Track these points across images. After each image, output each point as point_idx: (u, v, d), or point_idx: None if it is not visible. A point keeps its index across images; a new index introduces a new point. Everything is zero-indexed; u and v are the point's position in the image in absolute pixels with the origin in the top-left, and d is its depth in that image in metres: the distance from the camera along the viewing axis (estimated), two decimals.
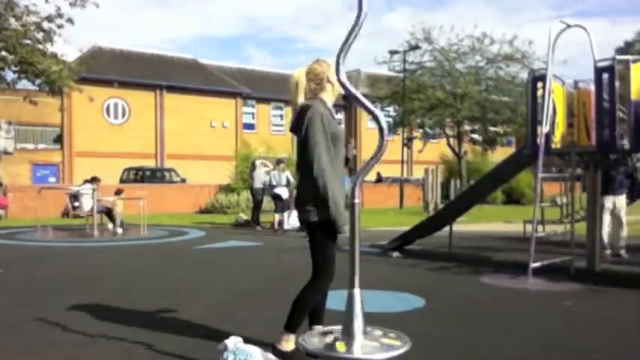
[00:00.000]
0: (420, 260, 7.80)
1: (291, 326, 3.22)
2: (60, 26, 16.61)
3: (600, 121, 6.44)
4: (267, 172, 13.21)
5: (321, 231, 3.21)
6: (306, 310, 3.28)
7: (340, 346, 2.51)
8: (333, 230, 3.19)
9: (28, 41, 16.33)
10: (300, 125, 3.24)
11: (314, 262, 3.28)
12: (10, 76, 17.26)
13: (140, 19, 72.85)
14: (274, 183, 12.63)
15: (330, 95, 3.38)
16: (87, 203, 11.69)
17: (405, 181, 24.01)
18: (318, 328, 3.22)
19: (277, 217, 12.55)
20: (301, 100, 3.33)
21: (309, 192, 3.19)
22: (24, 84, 17.83)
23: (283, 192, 12.44)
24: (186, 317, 4.48)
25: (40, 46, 16.61)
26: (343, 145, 3.36)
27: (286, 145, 24.54)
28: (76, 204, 11.88)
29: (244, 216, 14.92)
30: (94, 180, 11.90)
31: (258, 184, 13.28)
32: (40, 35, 16.55)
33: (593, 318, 4.70)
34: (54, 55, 16.91)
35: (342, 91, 3.39)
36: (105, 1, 17.00)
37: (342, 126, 3.54)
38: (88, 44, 28.28)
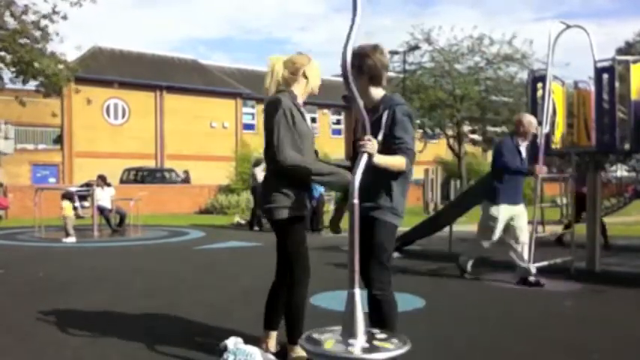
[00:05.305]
0: (420, 260, 7.80)
1: (295, 338, 3.19)
2: (55, 22, 16.66)
3: (600, 122, 6.44)
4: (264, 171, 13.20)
5: (291, 228, 3.21)
6: (299, 317, 3.28)
7: (340, 347, 2.50)
8: (301, 226, 3.21)
9: (25, 40, 16.35)
10: (266, 118, 3.18)
11: (287, 263, 3.30)
12: (7, 75, 17.30)
13: (127, 21, 72.90)
14: None
15: (302, 90, 3.29)
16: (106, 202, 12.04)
17: None
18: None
19: None
20: (273, 89, 3.24)
21: (273, 188, 3.18)
22: (21, 82, 17.87)
23: None
24: (186, 317, 4.48)
25: (39, 45, 16.64)
26: (311, 145, 3.29)
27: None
28: (85, 204, 11.96)
29: (243, 217, 14.92)
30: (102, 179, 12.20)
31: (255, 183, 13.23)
32: (37, 33, 16.59)
33: (593, 318, 4.70)
34: (52, 54, 16.94)
35: (316, 91, 3.34)
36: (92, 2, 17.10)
37: (312, 125, 3.44)
38: (82, 43, 28.32)
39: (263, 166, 13.57)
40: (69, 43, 38.24)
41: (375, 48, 2.99)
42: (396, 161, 2.87)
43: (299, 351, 3.18)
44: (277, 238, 3.30)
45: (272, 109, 3.14)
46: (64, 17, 16.71)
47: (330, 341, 2.56)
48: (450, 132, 25.35)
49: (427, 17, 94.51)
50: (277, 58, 3.28)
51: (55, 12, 16.56)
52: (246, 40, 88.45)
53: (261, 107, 33.99)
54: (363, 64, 2.99)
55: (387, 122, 2.95)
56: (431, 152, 28.66)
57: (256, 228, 12.92)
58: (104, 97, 28.24)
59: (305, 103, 3.37)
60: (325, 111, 35.36)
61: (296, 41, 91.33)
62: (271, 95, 3.23)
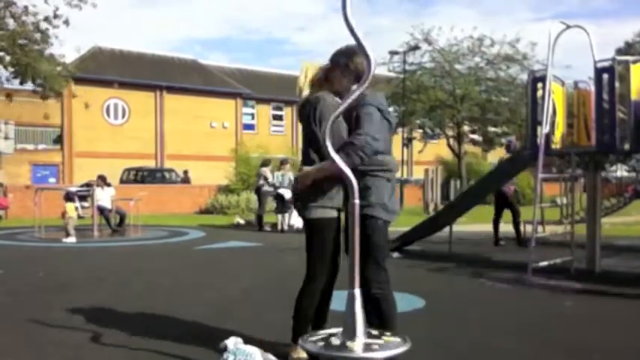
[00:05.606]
0: (419, 260, 7.80)
1: (295, 337, 3.19)
2: (56, 26, 16.65)
3: (600, 122, 6.44)
4: (271, 172, 13.24)
5: (319, 228, 3.18)
6: (305, 316, 3.26)
7: (341, 346, 2.51)
8: (330, 227, 3.17)
9: (25, 41, 16.36)
10: (307, 115, 3.19)
11: (308, 260, 3.26)
12: (5, 75, 17.34)
13: (127, 21, 72.78)
14: (277, 184, 12.63)
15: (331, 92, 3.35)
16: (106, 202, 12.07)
17: (405, 182, 24.01)
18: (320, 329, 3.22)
19: (280, 217, 12.52)
20: (307, 90, 3.29)
21: (308, 187, 3.16)
22: (18, 83, 17.89)
23: (286, 192, 12.43)
24: (187, 317, 4.48)
25: (38, 47, 16.64)
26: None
27: (285, 146, 24.52)
28: (85, 204, 11.99)
29: (243, 217, 14.92)
30: (102, 179, 12.22)
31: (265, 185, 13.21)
32: (37, 35, 16.59)
33: (593, 318, 4.70)
34: (51, 56, 16.94)
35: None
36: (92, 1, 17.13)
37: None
38: (82, 43, 28.39)
39: (271, 166, 13.63)
40: (68, 44, 38.24)
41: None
42: (332, 166, 2.80)
43: (300, 352, 3.18)
44: (306, 237, 3.26)
45: (316, 106, 3.16)
46: (66, 22, 16.70)
47: (330, 341, 2.56)
48: (450, 132, 25.33)
49: (426, 17, 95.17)
50: (310, 63, 3.37)
51: (56, 16, 16.54)
52: (246, 40, 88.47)
53: (260, 107, 34.15)
54: (350, 64, 3.08)
55: (354, 121, 3.04)
56: (431, 152, 28.65)
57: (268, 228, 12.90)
58: (104, 97, 28.24)
59: None
60: None
61: (295, 41, 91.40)
62: (312, 94, 3.26)
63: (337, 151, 2.88)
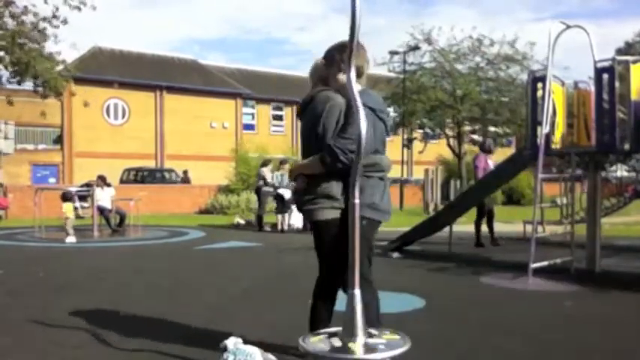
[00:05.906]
0: (419, 260, 7.80)
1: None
2: (55, 26, 16.68)
3: (600, 122, 6.44)
4: (271, 172, 13.26)
5: (326, 230, 3.09)
6: (312, 316, 3.21)
7: (341, 347, 2.51)
8: (334, 228, 3.07)
9: (24, 41, 16.37)
10: (320, 112, 3.07)
11: (319, 262, 3.21)
12: (5, 75, 17.36)
13: (127, 21, 72.76)
14: (277, 184, 12.63)
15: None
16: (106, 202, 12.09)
17: (405, 182, 24.01)
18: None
19: (280, 217, 12.53)
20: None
21: (311, 189, 3.09)
22: (17, 83, 17.90)
23: (286, 192, 12.42)
24: (187, 317, 4.48)
25: (37, 46, 16.65)
26: None
27: (285, 146, 24.52)
28: (85, 204, 12.00)
29: (243, 217, 14.92)
30: (102, 179, 12.25)
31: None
32: (36, 34, 16.60)
33: (593, 318, 4.70)
34: (50, 55, 16.96)
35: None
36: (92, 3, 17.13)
37: None
38: (82, 44, 28.39)
39: (270, 166, 13.64)
40: (67, 43, 38.10)
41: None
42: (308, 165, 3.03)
43: None
44: (314, 239, 3.19)
45: (325, 106, 3.12)
46: (65, 22, 16.73)
47: (330, 342, 2.56)
48: (450, 132, 25.32)
49: (426, 17, 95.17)
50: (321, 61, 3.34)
51: (55, 16, 16.57)
52: (246, 40, 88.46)
53: (260, 107, 34.18)
54: (341, 60, 3.02)
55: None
56: (431, 152, 28.65)
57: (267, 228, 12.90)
58: (104, 97, 28.25)
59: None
60: None
61: (295, 41, 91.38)
62: (319, 90, 3.25)
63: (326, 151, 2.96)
